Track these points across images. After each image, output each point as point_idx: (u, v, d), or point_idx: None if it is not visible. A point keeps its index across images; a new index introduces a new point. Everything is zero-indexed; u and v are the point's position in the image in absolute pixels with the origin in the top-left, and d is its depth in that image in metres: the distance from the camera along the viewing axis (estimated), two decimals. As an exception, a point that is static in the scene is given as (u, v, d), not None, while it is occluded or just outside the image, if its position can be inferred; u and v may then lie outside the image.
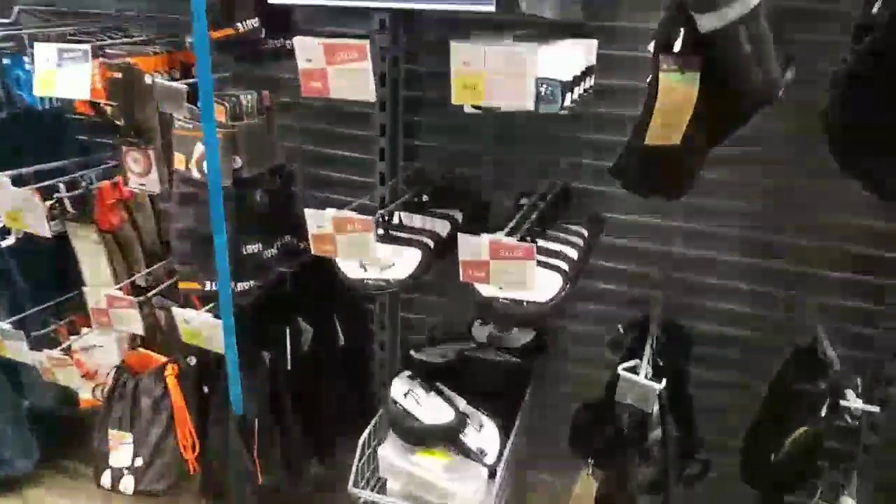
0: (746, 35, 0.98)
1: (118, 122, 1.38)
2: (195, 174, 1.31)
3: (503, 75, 0.99)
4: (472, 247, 1.11)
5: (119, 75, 1.34)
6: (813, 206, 1.46)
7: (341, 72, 1.08)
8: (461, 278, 1.16)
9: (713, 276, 1.61)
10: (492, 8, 0.93)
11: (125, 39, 1.51)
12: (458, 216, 1.55)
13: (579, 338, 1.76)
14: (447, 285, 1.71)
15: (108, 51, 1.36)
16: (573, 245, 1.38)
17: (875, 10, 1.01)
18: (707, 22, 0.98)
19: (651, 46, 1.13)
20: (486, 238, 1.11)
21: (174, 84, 1.22)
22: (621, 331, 1.56)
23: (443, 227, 1.48)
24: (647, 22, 1.44)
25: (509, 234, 1.32)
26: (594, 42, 1.35)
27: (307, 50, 1.08)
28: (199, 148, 1.28)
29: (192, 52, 1.34)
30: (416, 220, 1.48)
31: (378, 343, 1.87)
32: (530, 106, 1.00)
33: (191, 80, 1.28)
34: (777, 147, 1.43)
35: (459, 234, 1.12)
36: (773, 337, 1.57)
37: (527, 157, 1.67)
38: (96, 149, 1.83)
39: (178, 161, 1.32)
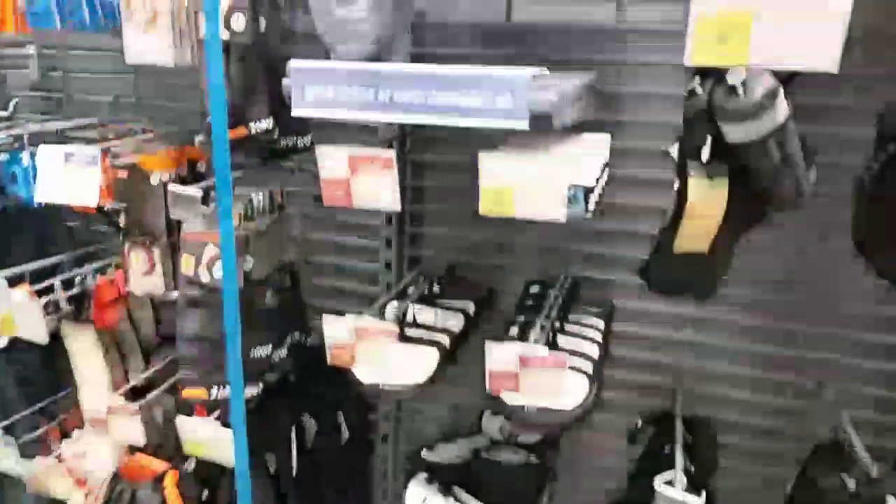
0: (776, 145, 0.98)
1: (121, 222, 1.34)
2: (204, 277, 1.26)
3: (534, 187, 0.98)
4: (501, 357, 1.08)
5: (125, 175, 1.31)
6: (833, 294, 1.45)
7: (366, 181, 1.05)
8: (488, 388, 1.11)
9: (728, 363, 1.59)
10: (525, 126, 0.91)
11: (128, 132, 1.48)
12: (470, 308, 1.51)
13: (594, 426, 1.71)
14: (456, 376, 1.67)
15: (112, 149, 1.32)
16: (592, 341, 1.35)
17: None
18: (736, 133, 0.98)
19: (674, 150, 1.14)
20: (516, 347, 1.07)
21: (188, 190, 1.18)
22: (640, 424, 1.52)
23: (456, 322, 1.44)
24: (654, 116, 1.47)
25: (526, 327, 1.29)
26: (607, 137, 1.35)
27: (331, 159, 1.05)
28: (210, 250, 1.24)
29: (200, 149, 1.32)
30: (428, 315, 1.45)
31: (381, 436, 1.80)
32: (562, 219, 0.98)
33: (203, 184, 1.24)
34: (794, 233, 1.43)
35: (487, 343, 1.09)
36: (795, 425, 1.54)
37: (531, 242, 1.65)
38: (91, 236, 1.79)
39: (186, 263, 1.27)
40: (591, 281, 1.60)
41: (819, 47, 0.84)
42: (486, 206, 1.01)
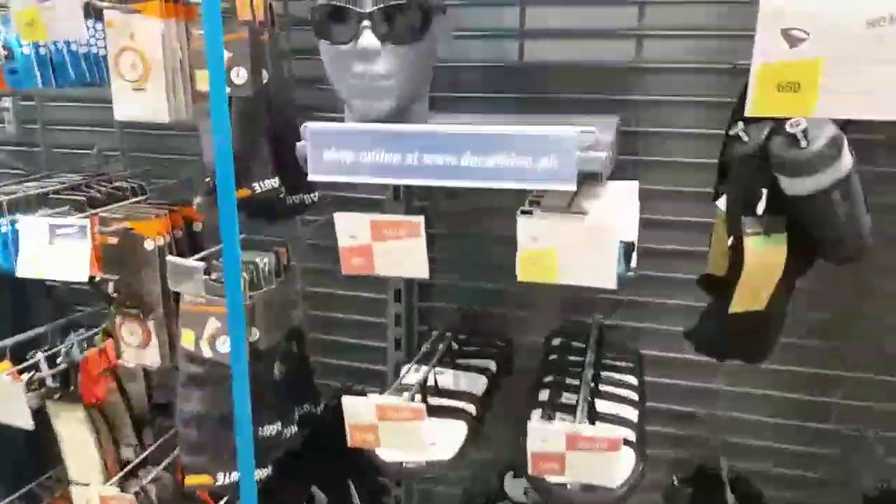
0: (840, 197, 0.90)
1: (110, 290, 1.22)
2: (206, 352, 1.15)
3: (581, 251, 0.88)
4: (545, 437, 0.97)
5: (116, 241, 1.20)
6: (872, 338, 1.38)
7: (389, 249, 0.95)
8: (530, 471, 1.01)
9: (764, 412, 1.50)
10: (573, 188, 0.82)
11: (116, 191, 1.37)
12: (492, 366, 1.41)
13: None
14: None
15: (101, 214, 1.21)
16: (631, 403, 1.25)
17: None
18: (797, 186, 0.90)
19: (721, 203, 1.05)
20: (561, 427, 0.97)
21: (189, 262, 1.07)
22: (676, 482, 1.43)
23: (479, 385, 1.34)
24: (678, 155, 1.40)
25: (556, 390, 1.20)
26: (636, 184, 1.27)
27: (351, 227, 0.95)
28: (212, 324, 1.13)
29: (198, 211, 1.21)
30: (449, 379, 1.34)
31: (394, 501, 1.69)
32: (614, 284, 0.89)
33: (205, 253, 1.14)
34: (832, 276, 1.35)
35: (529, 425, 0.99)
36: (838, 475, 1.46)
37: (548, 290, 1.56)
38: (75, 297, 1.67)
39: (186, 338, 1.16)
40: (616, 329, 1.51)
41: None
42: (525, 273, 0.91)
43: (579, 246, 0.88)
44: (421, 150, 0.86)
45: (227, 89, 1.11)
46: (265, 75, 1.13)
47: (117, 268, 1.19)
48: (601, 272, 0.88)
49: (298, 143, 0.92)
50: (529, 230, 0.88)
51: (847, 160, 0.88)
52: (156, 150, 1.68)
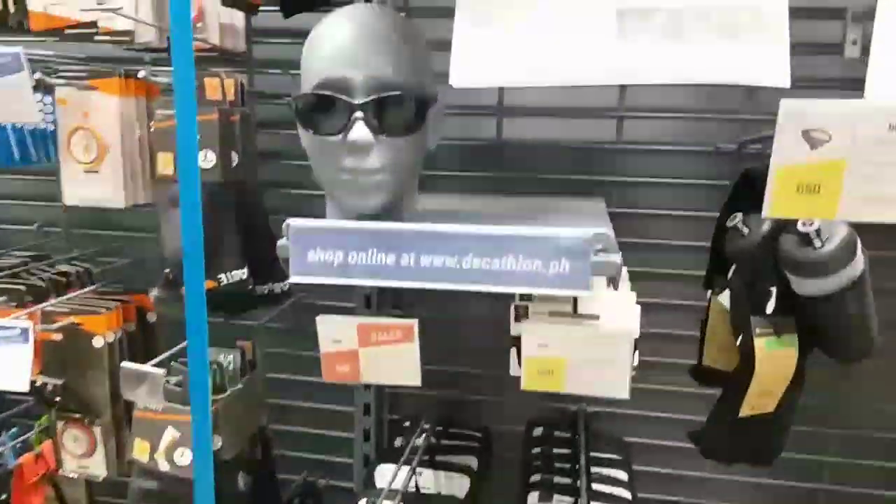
0: (853, 298, 0.87)
1: (54, 397, 1.09)
2: (162, 466, 1.02)
3: (592, 360, 0.81)
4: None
5: (60, 338, 1.07)
6: (863, 424, 1.35)
7: (377, 354, 0.86)
8: None
9: (752, 498, 1.44)
10: (587, 294, 0.76)
11: (61, 279, 1.23)
12: (473, 463, 1.32)
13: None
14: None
15: (46, 308, 1.08)
16: (624, 502, 1.17)
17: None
18: (809, 287, 0.86)
19: (724, 297, 1.01)
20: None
21: (147, 368, 0.95)
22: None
23: (461, 487, 1.24)
24: (661, 236, 1.36)
25: (547, 491, 1.11)
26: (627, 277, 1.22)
27: (335, 330, 0.86)
28: (170, 434, 1.01)
29: (155, 304, 1.10)
30: (429, 480, 1.24)
31: None
32: (627, 395, 0.82)
33: (164, 356, 1.02)
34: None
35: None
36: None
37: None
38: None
39: (140, 449, 1.03)
40: (597, 416, 1.45)
41: (919, 200, 0.73)
42: (531, 382, 0.84)
43: (591, 354, 0.81)
44: (419, 251, 0.78)
45: (193, 173, 1.02)
46: (234, 158, 1.05)
47: (61, 368, 1.06)
48: (614, 382, 0.81)
49: (279, 242, 0.83)
50: (537, 337, 0.81)
51: (860, 260, 0.85)
52: (102, 225, 1.55)
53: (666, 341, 1.35)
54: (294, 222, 0.81)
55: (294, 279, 0.82)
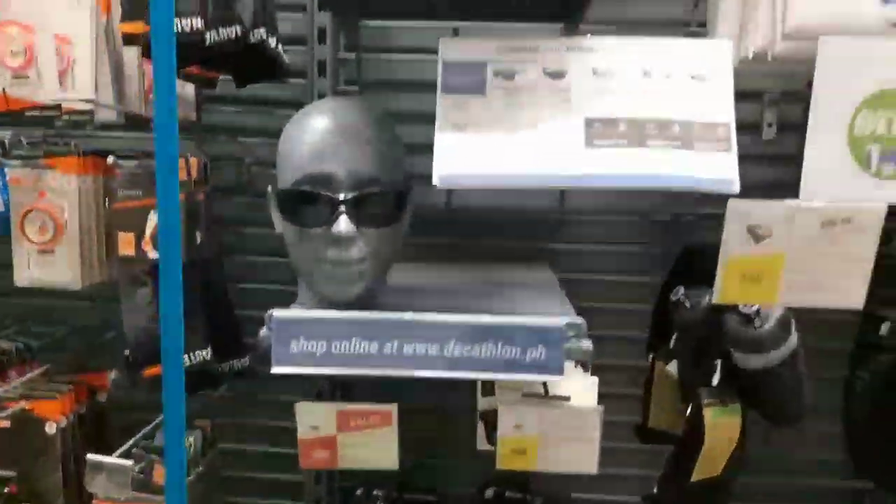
0: (789, 369, 0.96)
1: (4, 488, 1.04)
2: (123, 556, 0.98)
3: (563, 438, 0.86)
4: None
5: (9, 426, 1.02)
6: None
7: (356, 440, 0.88)
8: None
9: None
10: (560, 379, 0.81)
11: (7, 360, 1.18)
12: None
13: None
14: None
15: (-10, 394, 1.04)
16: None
17: (883, 331, 1.05)
18: (751, 362, 0.95)
19: (673, 368, 1.09)
20: None
21: (116, 461, 0.92)
22: None
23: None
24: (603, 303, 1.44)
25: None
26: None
27: (312, 416, 0.87)
28: (132, 524, 0.98)
29: (113, 388, 1.07)
30: (389, 550, 1.25)
31: None
32: (594, 470, 0.87)
33: (131, 444, 0.99)
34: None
35: None
36: None
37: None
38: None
39: (98, 542, 0.99)
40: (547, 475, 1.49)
41: (849, 286, 0.84)
42: (505, 461, 0.88)
43: (563, 433, 0.86)
44: (401, 340, 0.81)
45: (156, 254, 1.02)
46: (199, 238, 1.05)
47: (10, 458, 1.01)
48: (583, 457, 0.87)
49: (262, 331, 0.84)
50: (513, 418, 0.85)
51: (794, 337, 0.94)
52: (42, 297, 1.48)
53: (611, 400, 1.41)
54: (277, 313, 0.83)
55: (277, 370, 0.83)
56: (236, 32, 1.00)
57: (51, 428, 1.02)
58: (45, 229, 1.01)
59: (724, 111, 0.78)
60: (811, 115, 0.79)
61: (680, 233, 1.38)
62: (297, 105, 1.38)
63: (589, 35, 0.79)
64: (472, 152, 0.79)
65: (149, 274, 1.02)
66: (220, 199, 1.43)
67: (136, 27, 0.92)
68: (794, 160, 0.83)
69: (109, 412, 1.16)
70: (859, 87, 0.79)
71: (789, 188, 0.82)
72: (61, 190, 1.02)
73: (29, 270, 1.02)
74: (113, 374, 1.03)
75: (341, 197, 0.81)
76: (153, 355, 1.02)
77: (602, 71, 0.78)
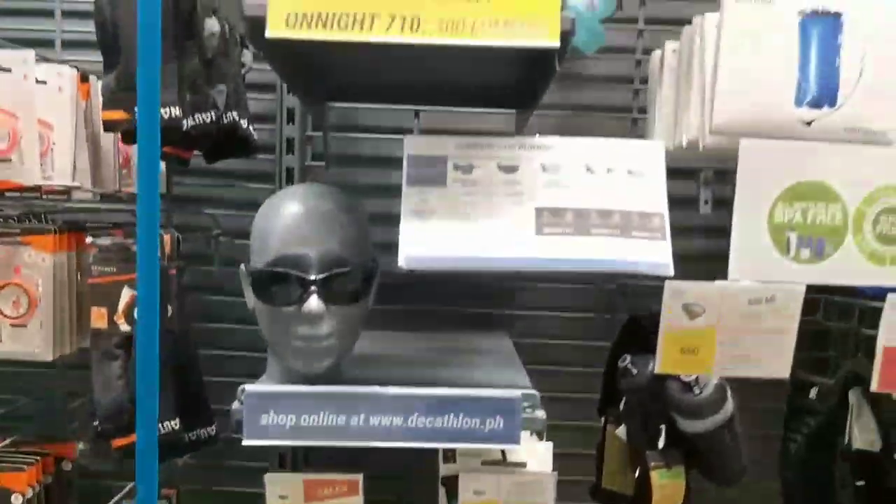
0: (727, 432, 1.04)
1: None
2: None
3: (519, 502, 0.92)
4: None
5: (-29, 501, 1.03)
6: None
7: (323, 508, 0.92)
8: None
9: None
10: (518, 447, 0.87)
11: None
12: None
13: None
14: None
15: (-46, 467, 1.04)
16: None
17: (812, 395, 1.15)
18: (693, 426, 1.02)
19: (622, 432, 1.15)
20: None
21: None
22: None
23: None
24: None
25: None
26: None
27: (281, 485, 0.91)
28: None
29: (81, 459, 1.09)
30: None
31: None
32: (551, 533, 0.93)
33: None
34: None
35: None
36: None
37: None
38: None
39: None
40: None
41: (774, 357, 0.92)
42: (466, 523, 0.92)
43: (520, 497, 0.91)
44: (368, 412, 0.86)
45: (128, 328, 1.06)
46: (170, 311, 1.09)
47: (-28, 533, 1.02)
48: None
49: (234, 405, 0.88)
50: (473, 484, 0.90)
51: (730, 403, 1.03)
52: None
53: (567, 460, 1.47)
54: (249, 387, 0.87)
55: (248, 442, 0.87)
56: (211, 117, 1.07)
57: (17, 499, 1.03)
58: (19, 304, 1.04)
59: (658, 203, 0.87)
60: (736, 204, 0.89)
61: (626, 300, 1.46)
62: (266, 178, 1.47)
63: (538, 134, 0.88)
64: (434, 237, 0.86)
65: (120, 347, 1.06)
66: (188, 266, 1.47)
67: (118, 115, 0.99)
68: (727, 233, 0.91)
69: (75, 482, 1.17)
70: (777, 181, 0.89)
71: (724, 259, 0.90)
72: (37, 267, 1.05)
73: (1, 343, 1.04)
74: (80, 445, 1.05)
75: (312, 277, 0.87)
76: (123, 427, 1.05)
77: (550, 166, 0.87)
